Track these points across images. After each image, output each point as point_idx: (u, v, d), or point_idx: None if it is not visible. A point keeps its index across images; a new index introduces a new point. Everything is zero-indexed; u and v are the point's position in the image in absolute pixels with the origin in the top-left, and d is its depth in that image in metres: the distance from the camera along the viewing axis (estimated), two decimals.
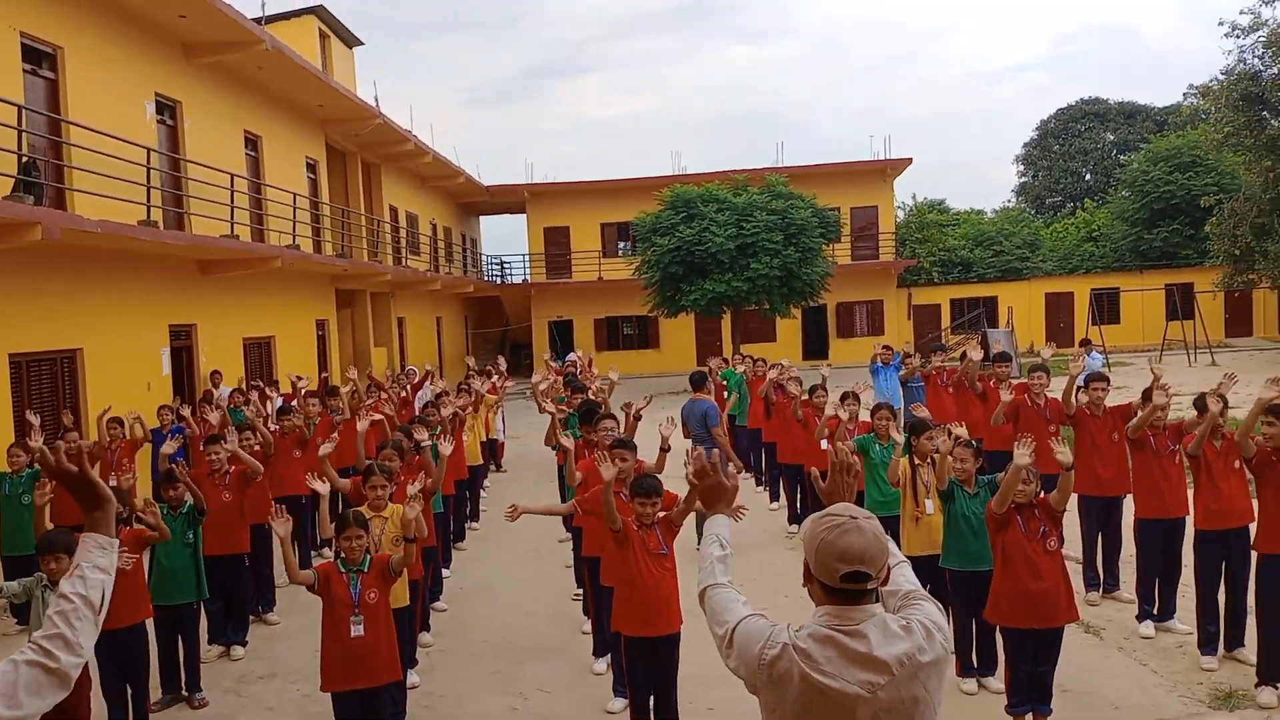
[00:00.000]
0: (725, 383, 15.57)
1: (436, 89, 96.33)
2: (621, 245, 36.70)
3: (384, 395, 13.54)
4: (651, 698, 5.73)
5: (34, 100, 12.19)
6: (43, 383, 12.29)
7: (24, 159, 11.12)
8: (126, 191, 12.96)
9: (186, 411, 11.58)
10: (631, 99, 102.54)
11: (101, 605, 2.24)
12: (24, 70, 12.08)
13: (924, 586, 6.88)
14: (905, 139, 57.15)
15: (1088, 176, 50.54)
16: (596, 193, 36.83)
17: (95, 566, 2.27)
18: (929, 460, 7.05)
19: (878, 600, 2.54)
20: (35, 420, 8.98)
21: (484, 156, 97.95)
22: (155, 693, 6.62)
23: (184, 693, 6.90)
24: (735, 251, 26.80)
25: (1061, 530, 5.87)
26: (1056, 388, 9.38)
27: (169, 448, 8.00)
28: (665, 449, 6.63)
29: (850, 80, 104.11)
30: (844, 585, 2.46)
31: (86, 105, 13.04)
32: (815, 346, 35.89)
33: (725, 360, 17.57)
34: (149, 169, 13.70)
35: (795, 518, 11.20)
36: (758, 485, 13.70)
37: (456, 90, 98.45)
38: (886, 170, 36.40)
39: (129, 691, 6.11)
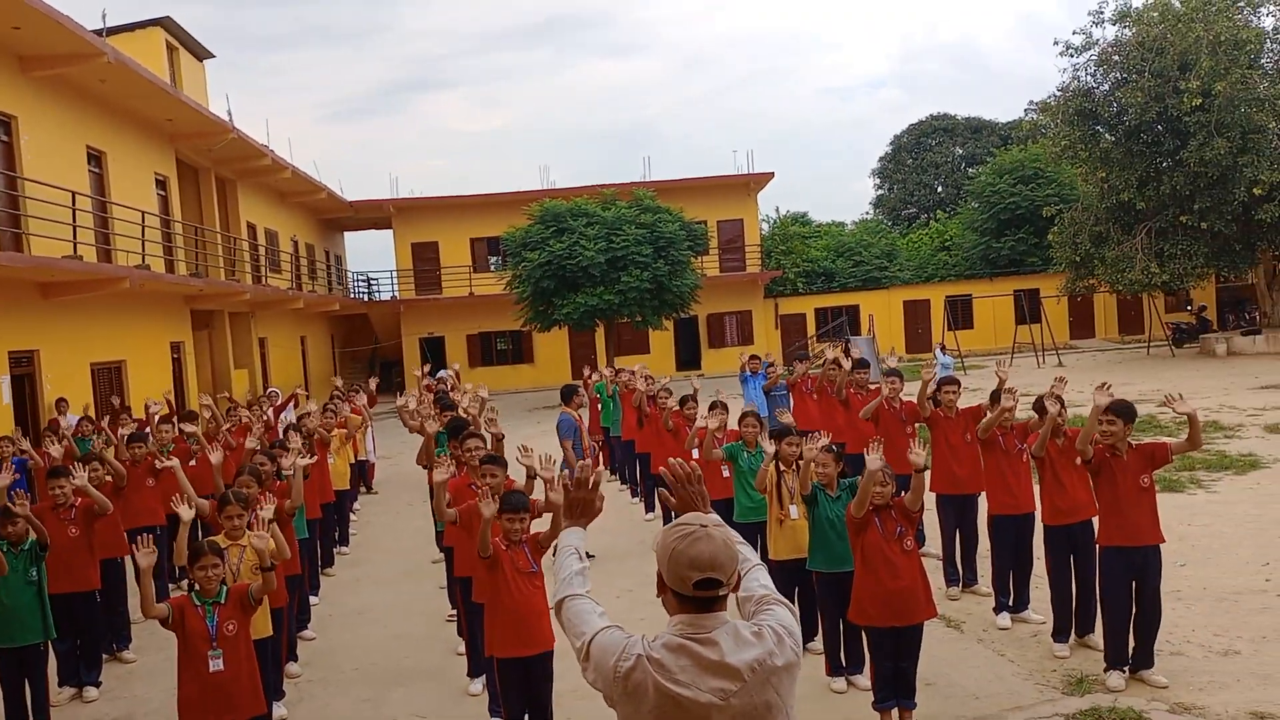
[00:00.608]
0: (598, 395, 15.64)
1: (294, 103, 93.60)
2: (492, 260, 36.43)
3: (245, 419, 13.06)
4: (527, 716, 5.69)
5: None
6: None
7: None
8: None
9: (27, 444, 10.91)
10: (497, 113, 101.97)
11: None
12: None
13: (792, 589, 7.10)
14: (767, 154, 58.84)
15: (939, 189, 52.83)
16: (465, 207, 36.47)
17: None
18: (793, 466, 7.23)
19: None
20: None
21: (347, 172, 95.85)
22: None
23: None
24: (606, 265, 26.96)
25: (920, 529, 6.10)
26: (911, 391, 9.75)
27: (5, 479, 7.52)
28: (531, 476, 6.46)
29: (713, 96, 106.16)
30: (696, 593, 2.49)
31: None
32: (688, 357, 36.37)
33: (600, 373, 17.63)
34: None
35: None
36: (633, 496, 13.77)
37: (316, 105, 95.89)
38: (750, 184, 37.25)
39: None
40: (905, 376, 10.20)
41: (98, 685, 7.59)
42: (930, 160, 53.13)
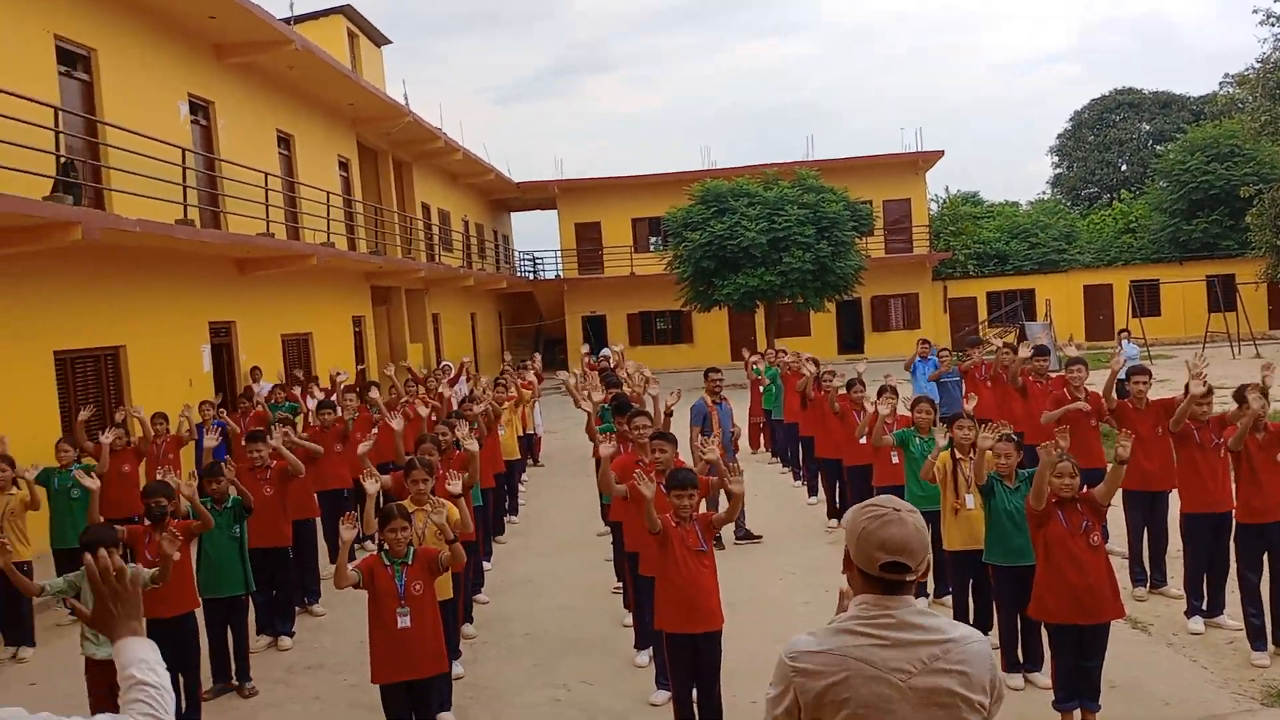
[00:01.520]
0: (760, 378, 15.55)
1: (464, 87, 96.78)
2: (653, 240, 36.69)
3: (423, 392, 13.67)
4: (695, 691, 5.73)
5: (69, 102, 12.38)
6: (88, 379, 12.49)
7: (62, 160, 11.28)
8: (163, 191, 13.13)
9: (223, 415, 11.73)
10: (657, 94, 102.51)
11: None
12: (59, 72, 12.26)
13: (966, 580, 6.87)
14: (936, 131, 56.94)
15: (1123, 167, 49.87)
16: (627, 188, 36.83)
17: (155, 662, 2.35)
18: (969, 453, 7.00)
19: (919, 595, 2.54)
20: (85, 415, 9.16)
21: (514, 153, 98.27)
22: (207, 682, 6.71)
23: (234, 682, 7.01)
24: (767, 246, 26.71)
25: (1105, 525, 5.79)
26: (1097, 381, 9.25)
27: (212, 440, 8.11)
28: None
29: (879, 73, 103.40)
30: (882, 574, 2.47)
31: (121, 106, 13.22)
32: (850, 340, 35.72)
33: (760, 355, 17.52)
34: (184, 168, 13.87)
35: (834, 512, 11.14)
36: (795, 480, 13.65)
37: (484, 89, 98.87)
38: (918, 163, 36.13)
39: (181, 681, 6.19)
40: (1090, 365, 9.69)
41: (291, 635, 8.10)
42: (1114, 137, 50.19)
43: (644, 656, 7.08)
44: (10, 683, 7.58)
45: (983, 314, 35.94)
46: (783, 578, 9.13)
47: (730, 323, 34.98)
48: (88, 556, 2.37)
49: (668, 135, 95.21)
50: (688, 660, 5.67)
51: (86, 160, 12.33)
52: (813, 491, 12.35)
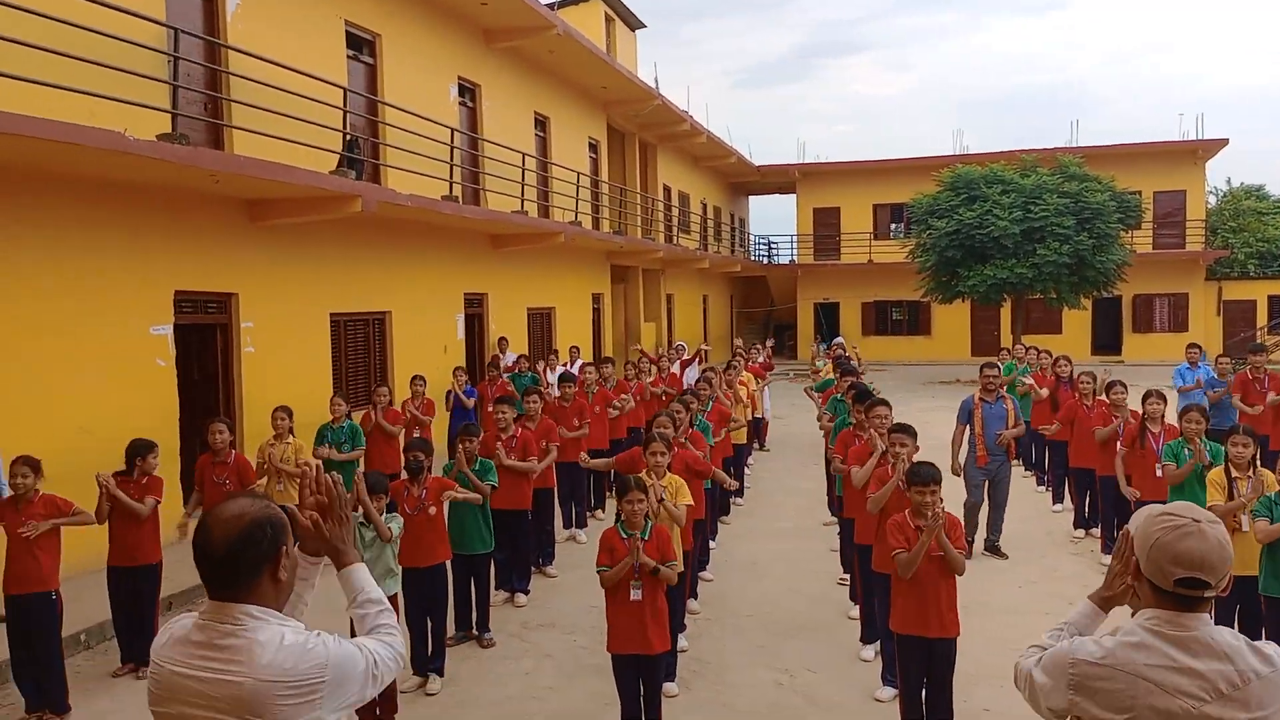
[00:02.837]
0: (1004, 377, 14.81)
1: (709, 71, 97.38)
2: (894, 227, 35.66)
3: (656, 372, 14.03)
4: (924, 692, 5.56)
5: (355, 83, 13.43)
6: (357, 340, 13.61)
7: (348, 137, 12.27)
8: (431, 168, 14.02)
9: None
10: (907, 77, 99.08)
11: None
12: (347, 56, 13.33)
13: (1233, 608, 6.27)
14: (1219, 118, 51.42)
15: None
16: (869, 173, 35.95)
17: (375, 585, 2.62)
18: (1248, 471, 6.38)
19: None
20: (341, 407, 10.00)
21: (755, 137, 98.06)
22: (450, 629, 7.18)
23: (474, 632, 7.45)
24: (1020, 236, 25.30)
25: None
26: None
27: (470, 402, 8.60)
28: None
29: (1153, 53, 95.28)
30: (1177, 590, 2.27)
31: (399, 88, 14.22)
32: (1106, 341, 33.34)
33: (1007, 351, 16.67)
34: (452, 148, 14.75)
35: (1081, 522, 10.48)
36: (1038, 485, 12.94)
37: (729, 72, 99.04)
38: (1198, 152, 33.06)
39: (430, 624, 6.65)
40: None
41: (526, 593, 8.52)
42: None
43: (869, 651, 6.94)
44: None
45: (1262, 319, 32.55)
46: (1022, 586, 8.68)
47: (972, 316, 33.48)
48: (326, 479, 2.56)
49: (917, 119, 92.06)
50: (920, 662, 5.50)
51: (368, 138, 13.36)
52: (1058, 499, 11.65)
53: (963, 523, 5.96)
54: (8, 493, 6.88)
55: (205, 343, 11.01)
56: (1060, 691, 2.39)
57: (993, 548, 9.65)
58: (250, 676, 2.15)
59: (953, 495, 5.90)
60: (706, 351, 17.20)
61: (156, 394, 9.87)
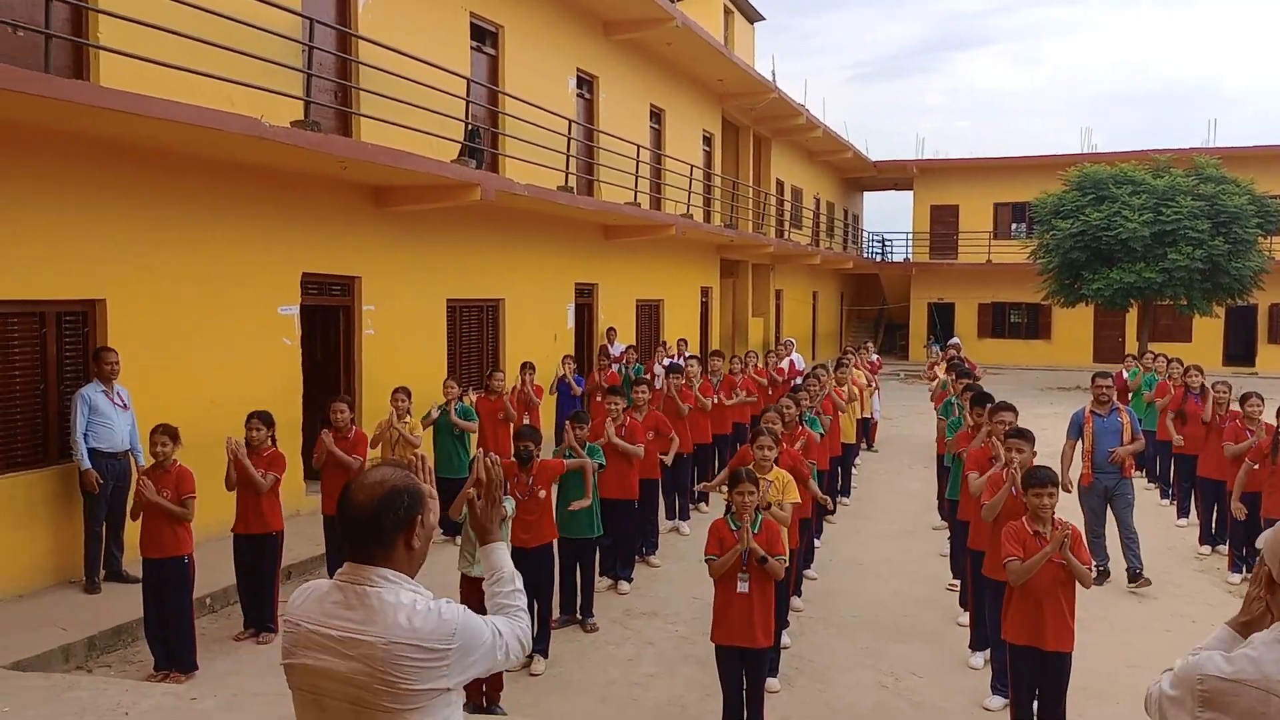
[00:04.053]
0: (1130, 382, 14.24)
1: (827, 64, 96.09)
2: (1015, 227, 34.57)
3: (762, 367, 13.96)
4: (1036, 704, 5.39)
5: (478, 74, 13.69)
6: (471, 326, 13.91)
7: (469, 127, 12.52)
8: (548, 159, 14.20)
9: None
10: (1034, 72, 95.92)
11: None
12: (471, 47, 13.59)
13: None
14: None
15: None
16: (991, 170, 34.94)
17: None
18: None
19: None
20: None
21: (872, 131, 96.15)
22: (555, 612, 7.28)
23: (578, 616, 7.55)
24: (1150, 239, 24.21)
25: None
26: None
27: (577, 390, 8.71)
28: None
29: None
30: None
31: (519, 79, 14.43)
32: (1239, 351, 31.70)
33: (1133, 358, 16.02)
34: (569, 139, 14.92)
35: (1208, 538, 10.00)
36: (1162, 498, 12.40)
37: (847, 66, 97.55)
38: None
39: (535, 605, 6.76)
40: None
41: (630, 580, 8.59)
42: None
43: (979, 658, 6.76)
44: None
45: None
46: (1142, 600, 8.34)
47: (1096, 321, 32.26)
48: (487, 461, 2.68)
49: (1043, 116, 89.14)
50: (1032, 674, 5.34)
51: (487, 127, 13.61)
52: (1183, 513, 11.15)
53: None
54: (145, 460, 7.29)
55: (329, 324, 11.40)
56: (1188, 707, 2.29)
57: (1135, 576, 8.58)
58: (382, 637, 2.24)
59: (1066, 512, 5.70)
60: (685, 342, 17.25)
61: (282, 371, 10.27)
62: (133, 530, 7.13)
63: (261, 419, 7.18)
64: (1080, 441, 8.83)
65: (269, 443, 7.19)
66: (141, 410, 8.03)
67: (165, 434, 6.53)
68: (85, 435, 7.70)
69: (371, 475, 2.38)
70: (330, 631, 2.28)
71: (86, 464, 7.66)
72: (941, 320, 34.85)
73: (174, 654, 6.48)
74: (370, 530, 2.32)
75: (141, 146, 8.40)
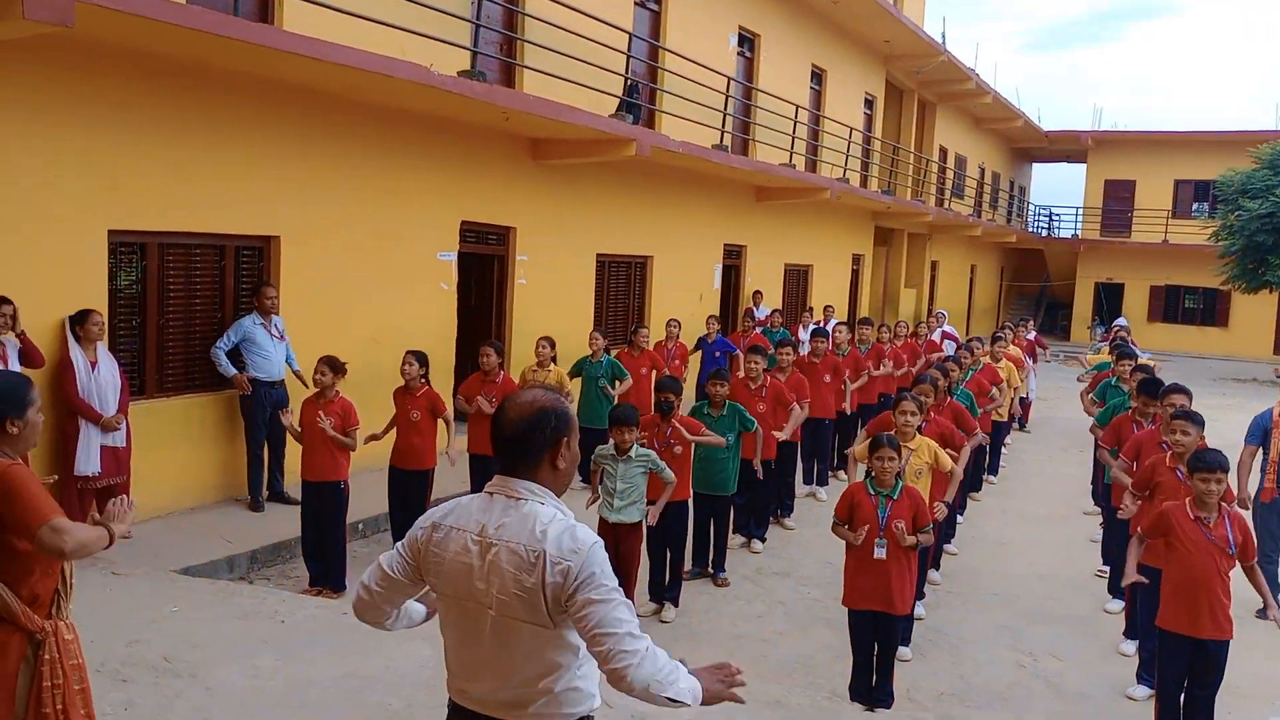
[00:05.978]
0: None
1: (1000, 30, 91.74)
2: (1197, 206, 32.42)
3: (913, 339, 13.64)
4: (1183, 697, 5.14)
5: (640, 30, 13.68)
6: (619, 281, 14.06)
7: (628, 82, 12.56)
8: (704, 116, 14.11)
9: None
10: (1226, 42, 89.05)
11: None
12: (635, 2, 13.58)
13: None
14: None
15: None
16: (1173, 144, 32.78)
17: None
18: None
19: None
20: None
21: (1046, 101, 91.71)
22: (687, 564, 7.35)
23: (710, 570, 7.60)
24: None
25: None
26: None
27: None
28: None
29: None
30: None
31: (681, 36, 14.35)
32: None
33: None
34: (726, 97, 14.77)
35: None
36: None
37: (1022, 32, 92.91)
38: None
39: (669, 556, 6.84)
40: None
41: (763, 540, 8.58)
42: None
43: (1129, 646, 6.48)
44: None
45: None
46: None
47: (1279, 310, 30.06)
48: None
49: (1235, 89, 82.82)
50: (1182, 663, 5.09)
51: (646, 83, 13.62)
52: None
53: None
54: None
55: (484, 272, 11.72)
56: None
57: None
58: (527, 542, 2.34)
59: None
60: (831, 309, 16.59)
61: (438, 315, 10.64)
62: (293, 456, 7.56)
63: (416, 357, 7.46)
64: (1264, 449, 7.35)
65: (422, 381, 7.47)
66: (305, 343, 8.46)
67: (327, 364, 6.87)
68: (245, 365, 8.17)
69: (523, 395, 2.49)
70: (476, 537, 2.39)
71: (231, 370, 8.10)
72: (1109, 301, 33.11)
73: (327, 571, 6.87)
74: (518, 446, 2.43)
75: (319, 91, 8.78)
